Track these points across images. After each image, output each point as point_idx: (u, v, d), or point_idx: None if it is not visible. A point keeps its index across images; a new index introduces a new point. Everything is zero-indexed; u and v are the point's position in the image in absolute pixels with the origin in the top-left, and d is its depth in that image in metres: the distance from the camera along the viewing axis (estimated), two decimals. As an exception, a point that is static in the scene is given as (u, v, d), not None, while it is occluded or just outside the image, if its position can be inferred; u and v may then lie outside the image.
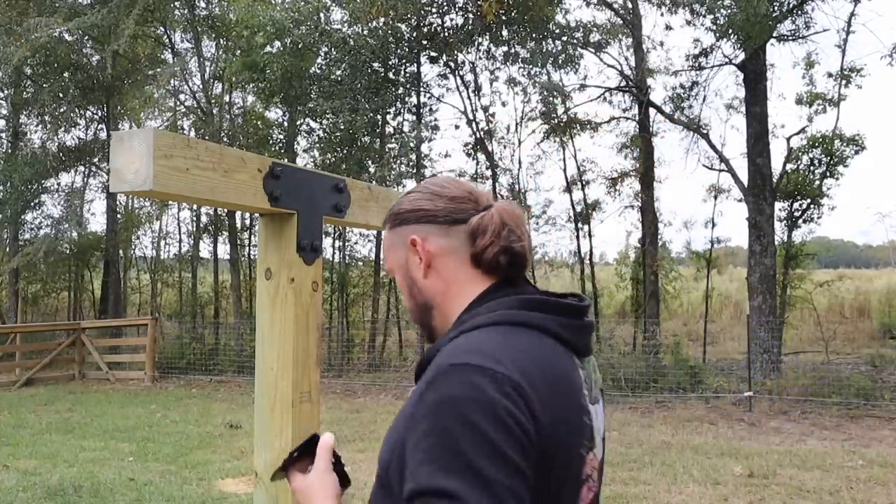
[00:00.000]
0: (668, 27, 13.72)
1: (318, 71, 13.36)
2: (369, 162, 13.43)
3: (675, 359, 10.83)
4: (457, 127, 16.23)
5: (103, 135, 16.92)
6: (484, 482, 0.86)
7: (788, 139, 12.46)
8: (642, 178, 14.05)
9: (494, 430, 0.89)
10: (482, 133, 14.02)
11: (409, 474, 0.91)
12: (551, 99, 14.07)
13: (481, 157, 14.40)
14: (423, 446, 0.90)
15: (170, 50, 15.81)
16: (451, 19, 13.43)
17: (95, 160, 17.59)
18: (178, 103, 17.14)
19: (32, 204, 16.83)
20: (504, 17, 12.47)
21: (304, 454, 1.22)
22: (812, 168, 12.65)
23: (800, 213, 12.81)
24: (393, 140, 14.23)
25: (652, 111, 13.74)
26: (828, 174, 12.50)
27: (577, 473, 1.02)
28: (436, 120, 14.80)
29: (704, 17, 10.92)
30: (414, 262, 1.17)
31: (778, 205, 12.30)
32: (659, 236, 14.10)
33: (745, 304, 12.47)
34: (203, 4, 15.69)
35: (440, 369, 0.96)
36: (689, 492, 5.67)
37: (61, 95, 14.49)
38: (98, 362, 13.49)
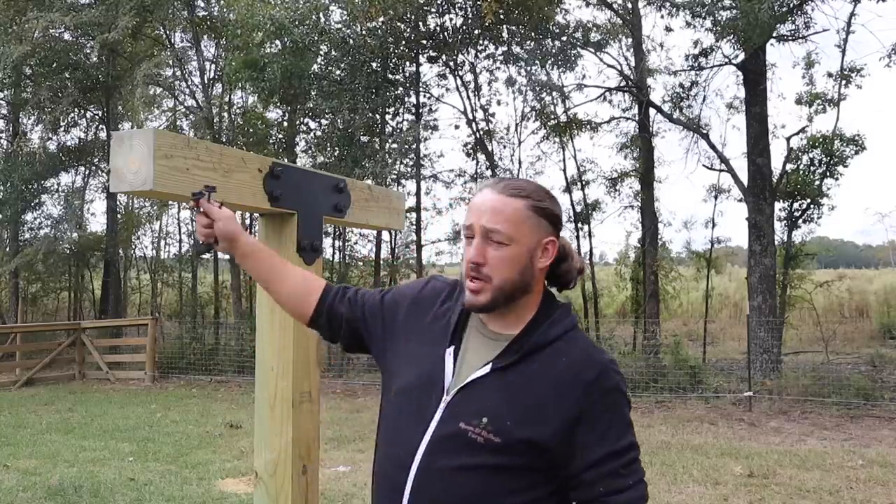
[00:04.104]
0: (668, 28, 13.69)
1: (318, 70, 13.35)
2: (366, 160, 13.42)
3: (675, 359, 10.81)
4: (456, 127, 16.22)
5: (103, 135, 16.89)
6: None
7: (788, 139, 12.47)
8: (642, 178, 14.05)
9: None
10: (482, 133, 14.00)
11: (610, 438, 1.35)
12: (550, 99, 14.07)
13: (481, 157, 14.39)
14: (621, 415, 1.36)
15: (170, 50, 15.78)
16: (451, 19, 13.44)
17: (95, 160, 17.59)
18: (178, 103, 17.14)
19: (32, 204, 16.81)
20: (503, 17, 12.46)
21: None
22: (812, 168, 12.65)
23: (800, 213, 12.81)
24: (391, 140, 14.22)
25: (652, 111, 13.73)
26: (828, 174, 12.50)
27: None
28: (435, 120, 14.82)
29: (704, 18, 10.91)
30: (538, 254, 1.36)
31: (778, 205, 12.30)
32: (659, 236, 14.11)
33: (745, 304, 12.47)
34: (202, 4, 15.69)
35: (609, 364, 1.34)
36: (689, 492, 5.67)
37: (60, 95, 14.46)
38: (98, 362, 13.47)
